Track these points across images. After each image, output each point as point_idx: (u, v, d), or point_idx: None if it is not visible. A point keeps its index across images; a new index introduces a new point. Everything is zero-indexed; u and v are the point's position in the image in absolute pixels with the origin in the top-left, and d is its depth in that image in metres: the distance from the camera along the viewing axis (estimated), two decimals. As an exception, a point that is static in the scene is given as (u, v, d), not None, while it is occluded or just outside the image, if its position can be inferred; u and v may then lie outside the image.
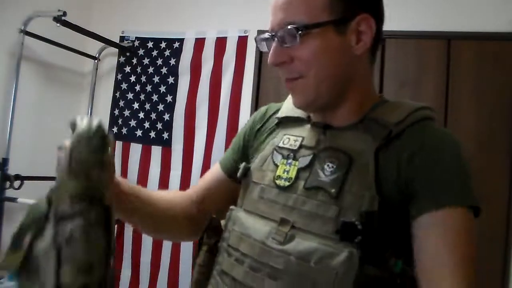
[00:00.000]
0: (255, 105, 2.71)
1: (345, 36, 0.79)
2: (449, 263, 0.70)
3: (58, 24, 2.44)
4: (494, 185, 2.22)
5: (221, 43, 2.81)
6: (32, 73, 2.70)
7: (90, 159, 0.68)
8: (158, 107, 2.94)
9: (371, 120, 0.80)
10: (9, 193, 2.45)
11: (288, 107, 0.94)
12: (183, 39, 2.91)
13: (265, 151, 0.90)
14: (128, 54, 3.03)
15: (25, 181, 2.47)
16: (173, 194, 1.04)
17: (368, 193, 0.73)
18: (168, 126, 2.90)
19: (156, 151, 2.92)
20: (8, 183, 2.42)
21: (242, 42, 2.76)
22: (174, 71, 2.92)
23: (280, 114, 0.94)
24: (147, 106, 2.96)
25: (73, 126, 0.68)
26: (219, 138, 2.76)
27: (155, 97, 2.95)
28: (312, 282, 0.71)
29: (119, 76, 3.05)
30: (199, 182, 1.05)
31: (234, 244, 0.84)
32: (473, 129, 2.28)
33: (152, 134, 2.94)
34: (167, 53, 2.95)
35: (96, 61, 3.03)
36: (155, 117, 2.94)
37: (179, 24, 2.93)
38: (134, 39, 3.03)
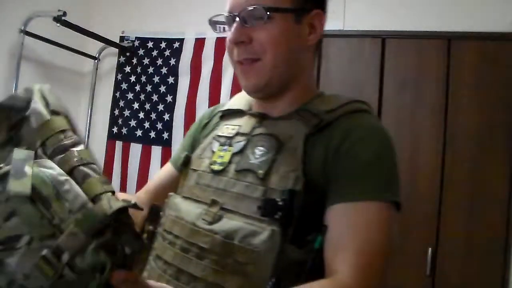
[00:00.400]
0: (255, 105, 2.71)
1: (301, 26, 0.85)
2: (351, 249, 0.71)
3: (58, 24, 2.44)
4: (494, 185, 2.22)
5: (221, 43, 2.81)
6: (32, 73, 2.70)
7: None
8: (158, 107, 2.94)
9: (305, 110, 0.84)
10: (9, 193, 2.45)
11: (231, 103, 0.99)
12: (183, 39, 2.91)
13: (205, 142, 0.95)
14: (128, 54, 3.03)
15: (25, 181, 2.47)
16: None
17: (293, 174, 0.76)
18: (168, 126, 2.90)
19: (156, 151, 2.92)
20: (8, 183, 2.42)
21: (242, 42, 2.76)
22: (174, 71, 2.92)
23: (223, 108, 0.99)
24: (147, 106, 2.96)
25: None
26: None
27: (155, 97, 2.95)
28: (235, 260, 0.72)
29: (119, 76, 3.05)
30: (149, 184, 1.08)
31: (168, 228, 0.86)
32: (473, 129, 2.28)
33: (152, 134, 2.94)
34: (167, 53, 2.95)
35: (96, 61, 3.03)
36: (155, 117, 2.94)
37: (179, 24, 2.93)
38: (134, 39, 3.03)
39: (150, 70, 2.98)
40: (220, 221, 0.78)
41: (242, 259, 0.72)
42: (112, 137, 3.05)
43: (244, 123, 0.90)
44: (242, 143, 0.85)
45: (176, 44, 2.93)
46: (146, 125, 2.96)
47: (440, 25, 2.39)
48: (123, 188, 2.96)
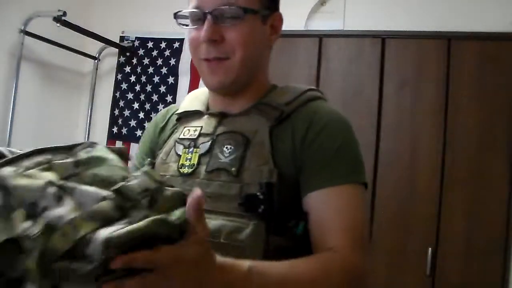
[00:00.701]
0: (255, 105, 2.71)
1: (265, 26, 0.88)
2: (339, 228, 0.77)
3: (58, 24, 2.44)
4: (494, 185, 2.22)
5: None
6: (32, 73, 2.70)
7: None
8: (158, 107, 2.94)
9: (263, 104, 0.87)
10: (9, 193, 2.45)
11: (185, 104, 0.98)
12: (183, 39, 2.91)
13: (167, 146, 0.94)
14: (128, 54, 3.03)
15: (25, 181, 2.47)
16: None
17: (266, 167, 0.79)
18: (168, 126, 2.90)
19: (156, 151, 2.92)
20: (8, 183, 2.42)
21: (242, 42, 2.76)
22: (174, 71, 2.92)
23: (179, 110, 0.98)
24: (147, 106, 2.96)
25: None
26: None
27: (155, 97, 2.95)
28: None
29: (119, 76, 3.05)
30: None
31: None
32: (473, 129, 2.28)
33: (152, 134, 2.94)
34: (167, 53, 2.95)
35: (96, 61, 3.03)
36: (155, 117, 2.94)
37: (179, 24, 2.93)
38: (134, 39, 3.03)
39: (150, 70, 2.98)
40: None
41: (230, 256, 0.71)
42: (112, 137, 3.05)
43: (204, 124, 0.90)
44: (208, 144, 0.86)
45: (176, 44, 2.93)
46: (146, 125, 2.96)
47: (440, 25, 2.39)
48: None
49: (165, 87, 2.94)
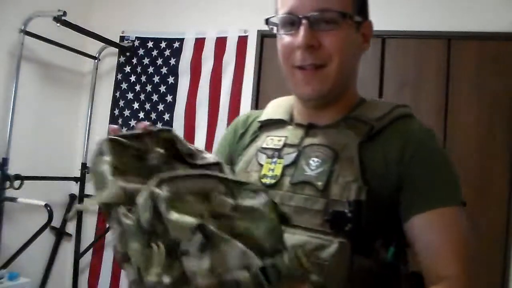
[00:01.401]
0: (255, 105, 2.71)
1: (358, 34, 0.85)
2: (451, 254, 0.74)
3: (58, 24, 2.44)
4: (494, 185, 2.22)
5: (221, 43, 2.81)
6: (32, 73, 2.70)
7: None
8: (158, 107, 2.94)
9: (352, 118, 0.83)
10: (9, 193, 2.45)
11: (269, 112, 0.95)
12: (183, 39, 2.91)
13: (248, 154, 0.91)
14: (128, 54, 3.03)
15: (25, 181, 2.47)
16: None
17: (354, 184, 0.75)
18: (168, 126, 2.89)
19: (156, 151, 2.92)
20: (8, 183, 2.42)
21: (242, 42, 2.76)
22: (174, 71, 2.92)
23: (262, 118, 0.95)
24: (147, 106, 2.96)
25: None
26: (219, 138, 2.75)
27: (155, 97, 2.95)
28: None
29: (119, 76, 3.05)
30: None
31: None
32: (473, 129, 2.28)
33: (152, 134, 2.94)
34: (167, 53, 2.95)
35: (96, 61, 3.03)
36: (155, 117, 2.94)
37: (179, 24, 2.93)
38: (134, 39, 3.03)
39: (150, 70, 2.98)
40: None
41: (312, 274, 0.69)
42: (112, 137, 3.04)
43: (290, 134, 0.87)
44: (293, 155, 0.83)
45: (176, 44, 2.93)
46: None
47: (440, 25, 2.39)
48: (123, 188, 2.96)
49: (165, 87, 2.94)
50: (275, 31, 0.86)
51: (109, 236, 2.96)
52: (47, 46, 2.67)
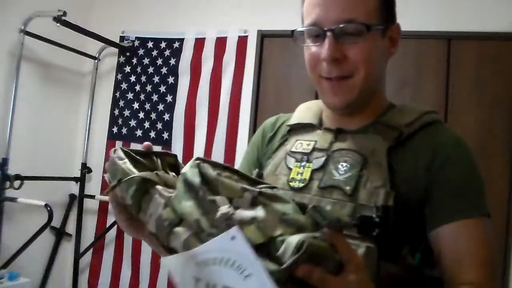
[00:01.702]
0: (255, 105, 2.71)
1: (384, 40, 0.85)
2: (475, 264, 0.75)
3: (58, 24, 2.44)
4: (494, 185, 2.21)
5: (221, 43, 2.81)
6: (32, 73, 2.70)
7: None
8: (158, 107, 2.94)
9: (381, 123, 0.84)
10: (9, 193, 2.45)
11: (298, 116, 0.96)
12: (183, 39, 2.91)
13: (277, 158, 0.91)
14: (128, 54, 3.03)
15: (25, 181, 2.47)
16: None
17: (383, 189, 0.75)
18: (168, 126, 2.90)
19: (156, 151, 2.92)
20: (8, 183, 2.42)
21: (242, 42, 2.76)
22: (174, 71, 2.92)
23: (291, 121, 0.95)
24: (147, 106, 2.96)
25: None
26: (219, 138, 2.76)
27: (155, 97, 2.95)
28: None
29: (119, 76, 3.05)
30: None
31: None
32: (473, 129, 2.28)
33: (152, 134, 2.94)
34: (167, 53, 2.95)
35: (96, 61, 3.03)
36: (155, 117, 2.94)
37: (179, 24, 2.93)
38: (134, 39, 3.03)
39: (150, 70, 2.98)
40: None
41: None
42: (112, 137, 3.05)
43: (319, 138, 0.87)
44: (322, 159, 0.83)
45: (176, 44, 2.93)
46: (146, 125, 2.96)
47: (440, 25, 2.39)
48: (123, 188, 2.96)
49: (165, 87, 2.94)
50: (300, 41, 0.86)
51: (109, 236, 2.97)
52: (47, 46, 2.67)
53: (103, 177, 3.03)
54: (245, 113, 2.72)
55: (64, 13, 2.42)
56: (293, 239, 0.51)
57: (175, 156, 0.78)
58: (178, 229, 0.60)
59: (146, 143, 0.76)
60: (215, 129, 2.78)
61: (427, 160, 0.79)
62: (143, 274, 2.85)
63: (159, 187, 0.66)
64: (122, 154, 0.73)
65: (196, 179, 0.61)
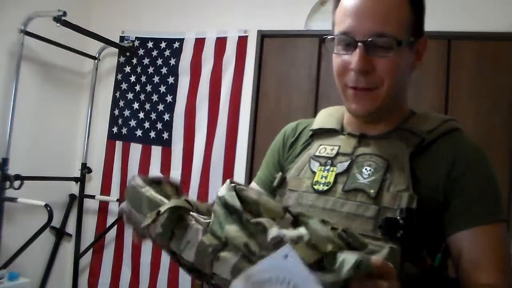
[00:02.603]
0: (255, 105, 2.71)
1: (411, 53, 0.87)
2: (491, 269, 0.77)
3: (58, 24, 2.44)
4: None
5: (221, 43, 2.81)
6: (32, 73, 2.70)
7: None
8: (158, 107, 2.94)
9: (404, 129, 0.86)
10: (9, 193, 2.45)
11: (320, 121, 0.98)
12: (183, 39, 2.91)
13: (300, 162, 0.93)
14: (128, 54, 3.03)
15: (25, 181, 2.47)
16: None
17: (406, 193, 0.77)
18: (168, 126, 2.90)
19: (156, 151, 2.92)
20: (8, 183, 2.42)
21: (242, 42, 2.76)
22: (174, 71, 2.92)
23: (314, 126, 0.97)
24: (147, 106, 2.96)
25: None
26: (219, 138, 2.76)
27: (155, 97, 2.95)
28: None
29: (119, 76, 3.05)
30: None
31: None
32: (473, 129, 2.28)
33: (152, 134, 2.94)
34: (167, 53, 2.95)
35: (96, 61, 3.03)
36: (155, 117, 2.94)
37: (179, 24, 2.93)
38: (134, 39, 3.03)
39: (150, 70, 2.98)
40: None
41: None
42: (112, 137, 3.05)
43: (343, 143, 0.90)
44: (346, 163, 0.86)
45: (176, 44, 2.93)
46: (146, 125, 2.96)
47: (440, 25, 2.39)
48: (123, 188, 2.96)
49: (165, 87, 2.94)
50: (330, 48, 0.87)
51: (109, 236, 2.97)
52: (47, 46, 2.67)
53: (103, 177, 3.03)
54: (245, 113, 2.72)
55: (64, 13, 2.42)
56: (351, 257, 0.54)
57: (178, 183, 0.78)
58: (224, 254, 0.60)
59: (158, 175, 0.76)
60: (215, 129, 2.78)
61: (447, 167, 0.81)
62: (143, 274, 2.85)
63: (193, 213, 0.66)
64: (141, 182, 0.72)
65: (236, 203, 0.62)
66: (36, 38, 2.57)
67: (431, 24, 2.70)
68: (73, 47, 2.80)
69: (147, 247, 2.86)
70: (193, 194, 2.78)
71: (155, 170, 2.91)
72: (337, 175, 0.85)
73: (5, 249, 2.45)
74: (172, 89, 2.91)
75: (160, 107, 2.93)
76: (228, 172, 2.69)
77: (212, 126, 2.80)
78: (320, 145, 0.92)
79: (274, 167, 1.01)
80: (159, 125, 2.93)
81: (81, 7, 3.01)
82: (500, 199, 0.83)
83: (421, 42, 0.90)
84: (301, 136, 1.00)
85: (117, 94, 3.05)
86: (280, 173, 0.95)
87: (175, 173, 2.85)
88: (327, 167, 0.87)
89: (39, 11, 2.49)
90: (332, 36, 0.87)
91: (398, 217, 0.75)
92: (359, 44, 0.80)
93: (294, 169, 0.93)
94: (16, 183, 2.44)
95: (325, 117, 0.98)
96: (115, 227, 2.92)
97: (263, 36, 2.71)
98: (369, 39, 0.80)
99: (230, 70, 2.77)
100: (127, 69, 3.03)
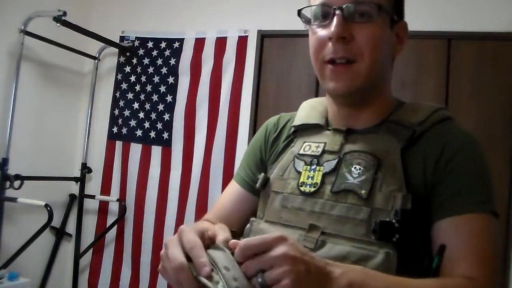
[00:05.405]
0: (255, 105, 2.71)
1: (392, 33, 0.82)
2: (471, 259, 0.71)
3: (58, 24, 2.44)
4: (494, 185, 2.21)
5: (221, 43, 2.81)
6: (32, 73, 2.70)
7: None
8: (158, 107, 2.94)
9: (392, 122, 0.81)
10: (9, 193, 2.45)
11: (303, 115, 0.91)
12: (183, 39, 2.91)
13: (284, 160, 0.87)
14: (128, 54, 3.03)
15: (25, 181, 2.47)
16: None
17: (399, 193, 0.72)
18: (168, 126, 2.90)
19: (156, 151, 2.92)
20: (8, 183, 2.42)
21: (242, 42, 2.76)
22: (174, 71, 2.92)
23: (296, 122, 0.91)
24: (147, 106, 2.96)
25: None
26: (219, 138, 2.76)
27: (155, 97, 2.95)
28: None
29: (119, 76, 3.05)
30: (217, 207, 0.98)
31: None
32: (473, 129, 2.26)
33: (152, 134, 2.94)
34: (167, 53, 2.95)
35: (96, 61, 3.03)
36: (155, 117, 2.94)
37: (179, 24, 2.93)
38: (134, 39, 3.03)
39: (150, 70, 2.98)
40: (324, 247, 0.73)
41: None
42: (112, 137, 3.05)
43: (329, 140, 0.84)
44: (334, 162, 0.80)
45: (176, 44, 2.93)
46: (146, 125, 2.96)
47: (440, 25, 2.39)
48: (123, 188, 2.96)
49: (165, 87, 2.94)
50: (306, 25, 0.83)
51: (109, 236, 2.97)
52: (47, 46, 2.67)
53: (103, 177, 3.03)
54: (245, 113, 2.72)
55: (64, 13, 2.42)
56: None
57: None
58: None
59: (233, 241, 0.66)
60: (215, 129, 2.78)
61: (435, 156, 0.76)
62: (143, 274, 2.85)
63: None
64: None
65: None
66: (36, 38, 2.57)
67: (431, 24, 2.72)
68: (73, 47, 2.80)
69: (147, 247, 2.86)
70: (193, 194, 2.78)
71: (155, 170, 2.91)
72: (325, 175, 0.79)
73: (5, 249, 2.45)
74: (172, 89, 2.91)
75: (160, 107, 2.93)
76: (228, 172, 2.69)
77: (212, 126, 2.80)
78: (304, 142, 0.86)
79: (255, 165, 0.95)
80: (159, 125, 2.92)
81: (81, 7, 3.01)
82: (490, 189, 0.76)
83: (401, 26, 0.84)
84: (283, 132, 0.94)
85: (117, 94, 3.05)
86: (263, 174, 0.88)
87: (175, 173, 2.85)
88: (313, 167, 0.81)
89: (39, 11, 2.49)
90: (307, 6, 0.82)
91: (393, 220, 0.69)
92: (337, 11, 0.76)
93: (278, 168, 0.87)
94: (16, 183, 2.44)
95: (308, 111, 0.92)
96: (115, 227, 2.92)
97: (263, 36, 2.71)
98: (347, 5, 0.75)
99: (230, 70, 2.77)
100: (127, 69, 3.03)
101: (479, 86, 2.32)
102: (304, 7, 0.82)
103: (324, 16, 0.79)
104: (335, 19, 0.76)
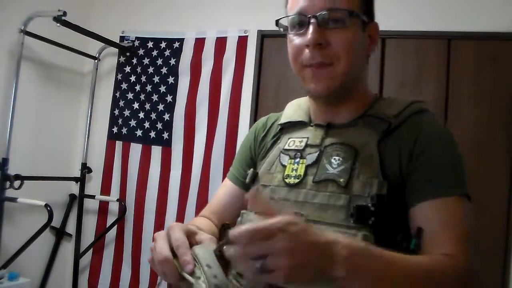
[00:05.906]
0: (255, 105, 2.71)
1: (364, 35, 0.88)
2: (448, 241, 0.74)
3: (58, 24, 2.44)
4: (494, 185, 2.22)
5: (221, 43, 2.81)
6: (32, 73, 2.70)
7: None
8: (158, 107, 2.94)
9: (370, 115, 0.86)
10: (9, 193, 2.45)
11: (289, 114, 0.99)
12: (183, 39, 2.91)
13: (271, 156, 0.94)
14: (128, 54, 3.03)
15: (25, 181, 2.47)
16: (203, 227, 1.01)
17: (375, 180, 0.78)
18: (168, 126, 2.90)
19: (156, 151, 2.92)
20: (8, 183, 2.42)
21: (242, 42, 2.76)
22: (174, 71, 2.92)
23: (282, 120, 0.98)
24: (147, 106, 2.96)
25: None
26: (219, 138, 2.76)
27: (155, 97, 2.95)
28: None
29: (119, 76, 3.05)
30: (212, 203, 1.06)
31: None
32: (473, 129, 2.28)
33: (152, 134, 2.94)
34: (167, 53, 2.95)
35: (96, 61, 3.03)
36: (155, 117, 2.94)
37: (179, 24, 2.93)
38: (134, 39, 3.03)
39: (150, 70, 2.98)
40: None
41: None
42: (112, 137, 3.05)
43: (311, 135, 0.90)
44: (315, 155, 0.86)
45: (176, 44, 2.93)
46: (146, 125, 2.96)
47: (440, 25, 2.39)
48: (123, 188, 2.96)
49: (165, 87, 2.94)
50: (284, 32, 0.89)
51: (109, 236, 2.97)
52: (47, 46, 2.67)
53: (103, 177, 3.03)
54: (245, 113, 2.72)
55: (64, 13, 2.42)
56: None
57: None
58: None
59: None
60: (215, 129, 2.78)
61: (409, 145, 0.81)
62: (143, 274, 2.85)
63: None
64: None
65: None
66: (36, 38, 2.57)
67: (431, 24, 2.72)
68: (73, 47, 2.80)
69: (147, 247, 2.86)
70: (193, 194, 2.78)
71: (155, 170, 2.91)
72: (307, 167, 0.86)
73: (5, 249, 2.45)
74: (172, 89, 2.91)
75: (160, 107, 2.93)
76: (228, 172, 2.69)
77: (212, 126, 2.80)
78: (289, 138, 0.93)
79: (246, 163, 1.02)
80: (159, 125, 2.93)
81: (81, 7, 3.01)
82: (462, 175, 0.81)
83: (373, 27, 0.90)
84: (270, 130, 1.01)
85: (117, 94, 3.05)
86: (252, 169, 0.96)
87: (175, 173, 2.85)
88: (297, 160, 0.88)
89: (39, 11, 2.49)
90: (284, 17, 0.88)
91: (369, 204, 0.75)
92: (312, 19, 0.82)
93: (265, 164, 0.94)
94: (16, 183, 2.44)
95: (293, 110, 0.99)
96: (115, 227, 2.92)
97: (263, 36, 2.71)
98: (321, 13, 0.81)
99: (230, 70, 2.77)
100: (127, 69, 3.03)
101: (479, 86, 2.32)
102: (282, 18, 0.89)
103: (300, 24, 0.84)
104: (310, 27, 0.82)
